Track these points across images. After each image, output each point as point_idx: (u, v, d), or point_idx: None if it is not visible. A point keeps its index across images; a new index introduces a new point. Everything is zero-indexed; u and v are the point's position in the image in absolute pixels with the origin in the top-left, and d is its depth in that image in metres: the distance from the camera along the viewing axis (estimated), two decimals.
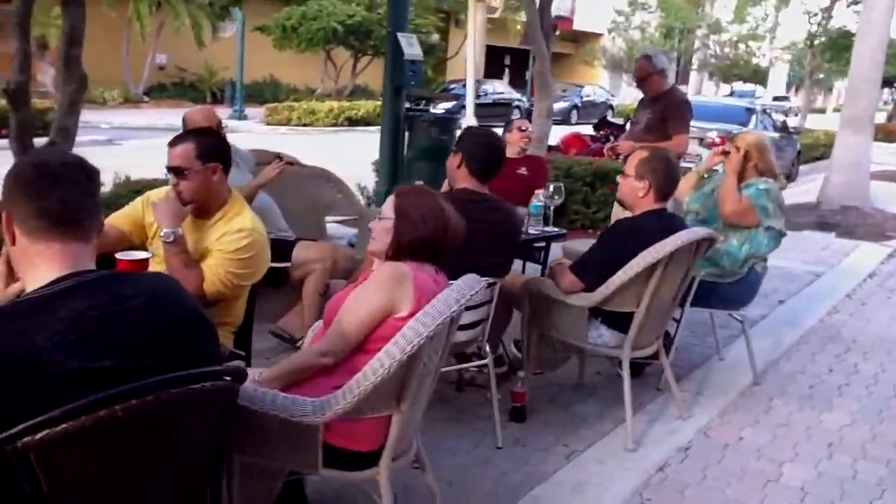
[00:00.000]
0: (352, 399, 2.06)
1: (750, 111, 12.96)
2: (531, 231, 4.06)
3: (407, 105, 23.38)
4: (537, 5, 8.15)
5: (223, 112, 21.97)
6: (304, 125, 19.69)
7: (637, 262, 3.17)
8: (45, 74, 21.94)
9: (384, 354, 2.06)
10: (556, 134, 12.80)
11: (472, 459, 3.25)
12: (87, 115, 19.22)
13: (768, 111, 14.01)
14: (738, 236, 3.94)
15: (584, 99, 29.63)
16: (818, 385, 4.30)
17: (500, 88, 26.82)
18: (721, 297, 4.01)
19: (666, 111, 5.25)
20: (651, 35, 33.10)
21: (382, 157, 6.59)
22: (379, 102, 22.65)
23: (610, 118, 12.98)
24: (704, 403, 3.95)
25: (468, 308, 3.15)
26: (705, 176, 4.35)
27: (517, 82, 35.80)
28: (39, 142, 4.70)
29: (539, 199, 4.14)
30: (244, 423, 2.15)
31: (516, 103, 26.35)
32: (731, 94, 37.91)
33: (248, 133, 19.34)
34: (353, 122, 20.11)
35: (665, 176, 3.36)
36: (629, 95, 40.28)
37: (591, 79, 35.45)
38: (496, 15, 31.62)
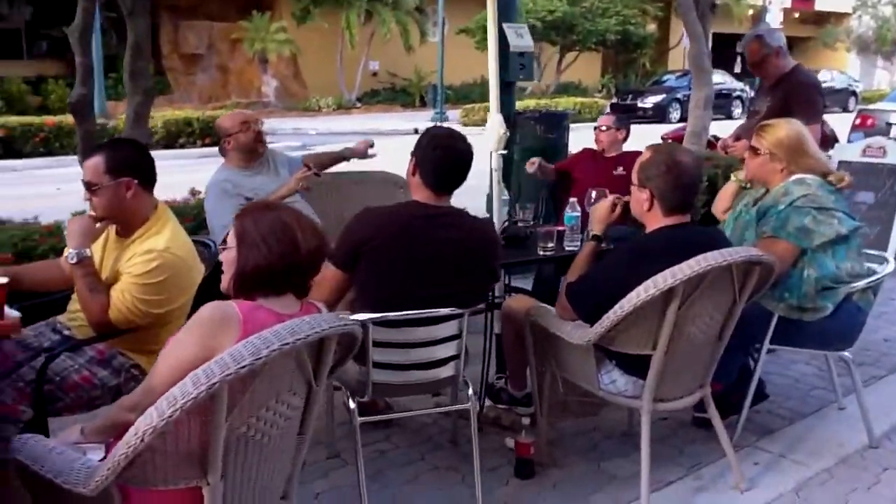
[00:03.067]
0: (107, 472, 1.67)
1: None
2: (567, 247, 3.39)
3: (614, 100, 22.39)
4: None
5: (426, 115, 22.44)
6: None
7: (638, 293, 2.47)
8: (268, 86, 23.73)
9: (142, 419, 1.65)
10: None
11: None
12: (300, 122, 20.56)
13: None
14: (795, 263, 3.03)
15: (822, 85, 26.62)
16: None
17: (719, 79, 24.83)
18: (809, 337, 3.10)
19: (789, 97, 4.28)
20: None
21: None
22: (582, 99, 21.96)
23: None
24: (786, 470, 3.08)
25: (433, 343, 2.67)
26: (747, 186, 3.39)
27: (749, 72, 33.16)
28: None
29: (575, 208, 3.46)
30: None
31: (737, 94, 24.29)
32: None
33: None
34: None
35: (669, 182, 2.60)
36: (883, 80, 35.90)
37: (834, 63, 31.93)
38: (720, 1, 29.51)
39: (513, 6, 5.95)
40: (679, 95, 22.97)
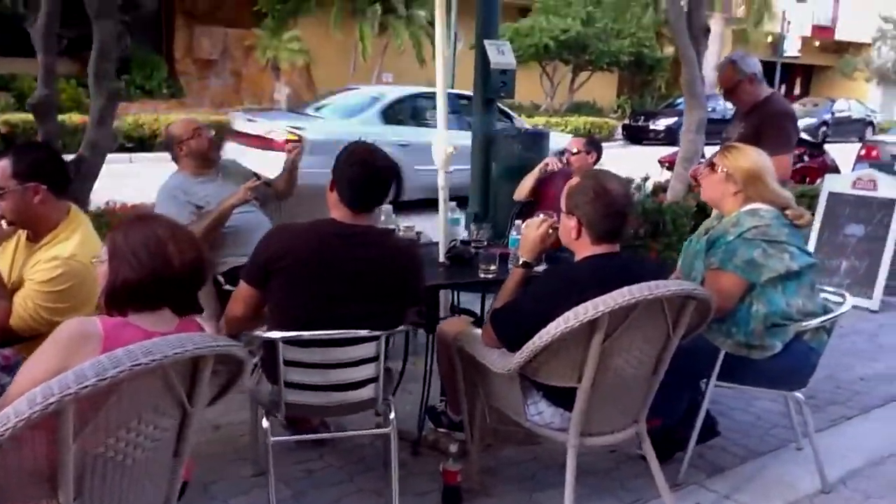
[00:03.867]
0: None
1: None
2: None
3: (627, 121, 22.18)
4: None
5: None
6: None
7: (557, 324, 2.35)
8: (280, 94, 23.77)
9: None
10: None
11: None
12: None
13: None
14: (743, 298, 2.90)
15: (837, 114, 26.37)
16: None
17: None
18: (757, 375, 2.96)
19: (761, 125, 4.15)
20: None
21: (473, 176, 5.99)
22: (593, 119, 21.83)
23: (804, 135, 10.94)
24: None
25: (350, 364, 2.56)
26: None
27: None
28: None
29: (521, 231, 3.33)
30: None
31: None
32: None
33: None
34: None
35: (597, 210, 2.49)
36: None
37: (854, 93, 31.62)
38: (744, 26, 29.36)
39: (494, 22, 5.88)
40: None
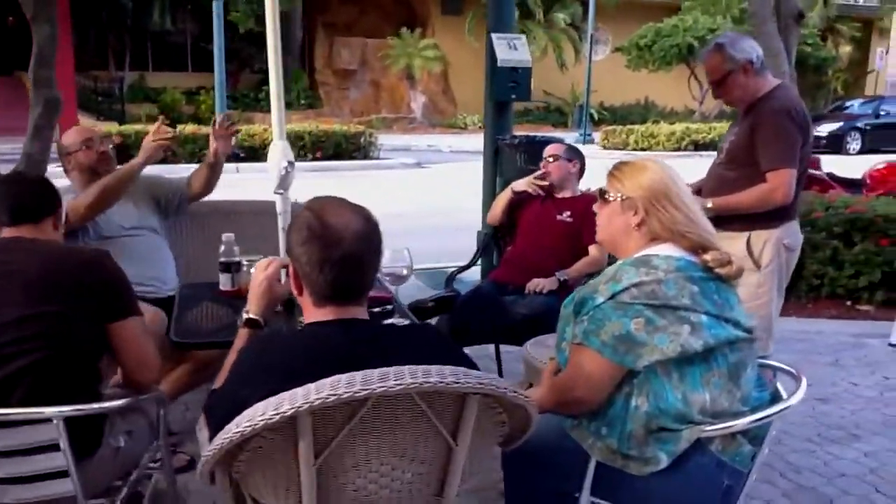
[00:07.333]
0: None
1: None
2: None
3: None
4: None
5: (570, 136, 21.43)
6: (643, 149, 18.10)
7: (228, 429, 1.61)
8: (416, 102, 23.70)
9: None
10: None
11: None
12: (441, 139, 20.30)
13: None
14: (620, 386, 2.00)
15: None
16: None
17: None
18: (637, 497, 2.04)
19: (755, 129, 3.10)
20: None
21: (483, 191, 5.22)
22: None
23: None
24: None
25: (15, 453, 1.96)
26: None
27: None
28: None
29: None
30: None
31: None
32: None
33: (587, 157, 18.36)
34: (700, 146, 17.85)
35: (312, 256, 1.69)
36: None
37: None
38: None
39: (508, 13, 5.05)
40: (860, 124, 20.35)
